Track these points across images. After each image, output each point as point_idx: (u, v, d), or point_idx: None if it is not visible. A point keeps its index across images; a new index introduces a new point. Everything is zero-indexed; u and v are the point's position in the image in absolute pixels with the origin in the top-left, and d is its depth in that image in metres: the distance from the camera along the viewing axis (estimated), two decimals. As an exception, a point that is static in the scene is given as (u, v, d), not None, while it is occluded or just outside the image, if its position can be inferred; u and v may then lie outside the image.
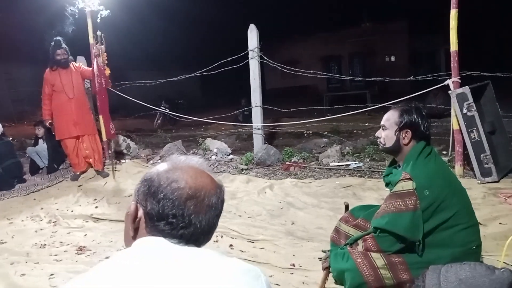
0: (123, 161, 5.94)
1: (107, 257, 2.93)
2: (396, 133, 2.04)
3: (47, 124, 5.47)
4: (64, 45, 5.31)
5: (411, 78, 5.14)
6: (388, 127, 2.07)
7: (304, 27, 20.09)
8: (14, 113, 12.54)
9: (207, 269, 0.78)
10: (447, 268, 0.75)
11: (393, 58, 20.34)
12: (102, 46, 5.14)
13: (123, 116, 10.98)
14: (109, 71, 5.31)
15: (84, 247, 3.17)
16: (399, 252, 1.99)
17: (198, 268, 0.78)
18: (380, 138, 2.13)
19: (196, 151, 6.26)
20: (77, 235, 3.47)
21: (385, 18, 19.00)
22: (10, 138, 6.73)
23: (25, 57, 12.75)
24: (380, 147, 2.19)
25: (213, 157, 5.89)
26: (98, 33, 5.12)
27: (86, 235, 3.45)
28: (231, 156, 5.94)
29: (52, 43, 5.29)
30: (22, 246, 3.27)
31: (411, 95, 4.67)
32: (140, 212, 0.88)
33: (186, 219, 0.85)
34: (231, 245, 2.99)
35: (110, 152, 5.91)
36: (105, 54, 5.20)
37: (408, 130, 2.03)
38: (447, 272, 0.74)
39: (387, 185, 2.26)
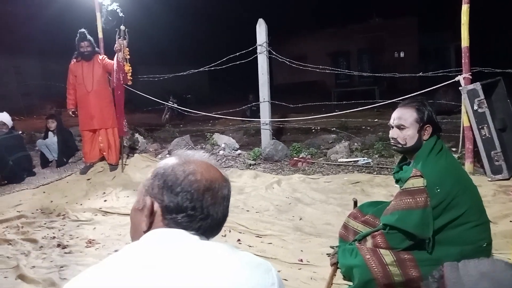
0: (131, 155, 5.96)
1: (115, 250, 2.95)
2: (419, 131, 2.00)
3: (71, 113, 5.46)
4: (89, 37, 5.29)
5: (421, 74, 5.09)
6: (409, 126, 2.01)
7: (313, 22, 20.00)
8: (23, 107, 12.62)
9: (221, 261, 0.80)
10: (465, 263, 0.74)
11: (402, 54, 20.17)
12: (125, 41, 5.08)
13: (131, 110, 11.03)
14: (129, 67, 5.24)
15: (93, 240, 3.19)
16: (408, 249, 1.98)
17: (213, 261, 0.79)
18: (396, 138, 2.07)
19: (204, 146, 6.27)
20: (86, 228, 3.50)
21: (394, 14, 18.83)
22: (20, 132, 6.79)
23: (34, 50, 12.84)
24: (396, 148, 2.12)
25: (221, 152, 5.90)
26: (122, 27, 5.05)
27: (95, 228, 3.48)
28: (239, 151, 5.94)
29: (77, 35, 5.28)
30: (32, 238, 3.31)
31: (420, 91, 4.63)
32: (156, 206, 0.88)
33: (205, 210, 0.87)
34: (239, 240, 2.99)
35: (123, 146, 5.93)
36: (127, 49, 5.14)
37: (428, 125, 2.01)
38: (466, 267, 0.73)
39: (397, 181, 2.25)
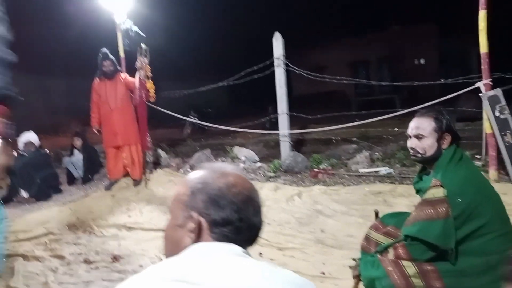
0: (154, 170, 6.07)
1: (140, 266, 3.01)
2: (438, 140, 2.00)
3: (95, 131, 5.61)
4: (111, 57, 5.45)
5: (441, 81, 5.04)
6: (428, 135, 2.00)
7: (330, 32, 20.02)
8: (49, 125, 13.01)
9: (266, 280, 0.80)
10: None
11: (422, 61, 19.92)
12: (146, 59, 5.21)
13: (154, 126, 11.23)
14: (151, 85, 5.36)
15: (118, 255, 3.26)
16: (431, 260, 1.95)
17: (259, 279, 0.79)
18: (415, 148, 2.05)
19: (224, 159, 6.33)
20: (111, 244, 3.58)
21: (413, 21, 18.68)
22: (47, 150, 7.00)
23: (59, 70, 13.26)
24: (415, 158, 2.09)
25: (241, 165, 5.94)
26: (143, 46, 5.20)
27: (120, 244, 3.55)
28: (259, 163, 5.97)
29: (100, 55, 5.46)
30: (60, 255, 3.40)
31: (441, 99, 4.58)
32: (202, 220, 0.89)
33: (249, 221, 0.89)
34: (260, 253, 3.01)
35: (147, 162, 6.04)
36: (148, 67, 5.27)
37: (447, 133, 2.00)
38: None
39: (417, 192, 2.22)
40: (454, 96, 4.71)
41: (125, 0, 5.60)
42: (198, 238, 0.89)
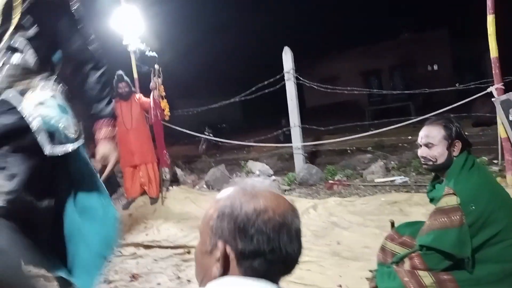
0: (170, 187, 6.13)
1: (158, 284, 3.03)
2: (448, 148, 2.00)
3: None
4: (126, 78, 5.60)
5: (457, 86, 5.02)
6: (437, 144, 2.00)
7: (341, 43, 20.10)
8: (68, 147, 13.27)
9: None
10: None
11: (435, 67, 19.77)
12: (159, 79, 5.35)
13: (170, 143, 11.37)
14: (165, 104, 5.47)
15: (136, 274, 3.29)
16: (448, 269, 1.93)
17: None
18: (426, 156, 2.06)
19: (239, 174, 6.36)
20: (129, 262, 3.62)
21: (424, 27, 18.62)
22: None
23: (77, 92, 13.54)
24: (426, 166, 2.10)
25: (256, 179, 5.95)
26: (156, 66, 5.32)
27: (138, 262, 3.59)
28: (273, 177, 5.98)
29: (115, 77, 5.60)
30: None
31: (454, 105, 4.54)
32: (229, 250, 0.80)
33: (284, 250, 0.79)
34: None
35: (164, 179, 6.12)
36: (162, 86, 5.40)
37: (457, 141, 2.00)
38: None
39: (431, 201, 2.21)
40: (469, 101, 4.67)
41: (136, 22, 5.75)
42: (225, 269, 0.80)
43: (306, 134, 6.05)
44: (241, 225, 0.79)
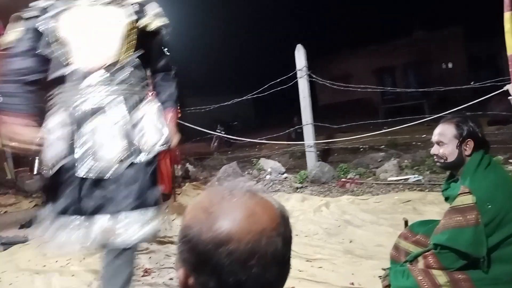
0: (183, 184, 6.17)
1: (170, 279, 3.06)
2: (458, 146, 1.98)
3: None
4: None
5: (472, 84, 4.94)
6: (448, 142, 2.00)
7: (354, 40, 20.00)
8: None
9: None
10: None
11: (450, 65, 19.51)
12: None
13: (181, 141, 11.42)
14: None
15: (149, 269, 3.32)
16: (463, 268, 1.91)
17: None
18: (438, 154, 2.06)
19: (251, 172, 6.37)
20: (142, 257, 3.65)
21: (438, 25, 18.39)
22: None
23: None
24: (438, 164, 2.11)
25: (268, 176, 5.96)
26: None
27: (150, 257, 3.62)
28: (285, 174, 5.97)
29: None
30: (94, 269, 3.49)
31: (470, 103, 4.48)
32: (192, 281, 0.69)
33: (256, 281, 0.66)
34: (288, 265, 3.00)
35: (176, 176, 6.17)
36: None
37: (469, 140, 1.97)
38: None
39: (446, 199, 2.19)
40: (484, 100, 4.60)
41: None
42: None
43: (319, 132, 6.03)
44: (200, 256, 0.67)
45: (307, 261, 3.03)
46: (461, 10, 17.46)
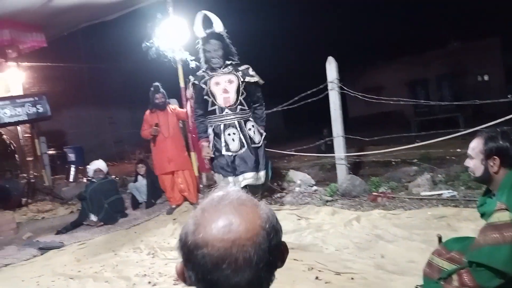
0: (208, 191, 6.23)
1: None
2: (483, 162, 1.95)
3: (154, 130, 5.78)
4: (162, 90, 5.86)
5: (509, 97, 4.80)
6: (474, 156, 2.00)
7: (387, 52, 19.70)
8: (115, 153, 13.81)
9: None
10: None
11: (486, 78, 18.93)
12: None
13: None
14: None
15: (179, 277, 3.37)
16: (499, 287, 1.86)
17: None
18: (468, 167, 2.06)
19: (280, 183, 6.36)
20: (173, 266, 3.71)
21: (474, 36, 17.90)
22: (113, 176, 7.44)
23: (124, 101, 14.11)
24: (471, 177, 2.13)
25: (297, 188, 5.94)
26: (191, 77, 5.52)
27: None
28: (315, 187, 5.93)
29: (152, 88, 5.86)
30: (126, 276, 3.58)
31: (507, 117, 4.35)
32: (186, 273, 0.82)
33: (226, 282, 0.76)
34: (317, 277, 2.98)
35: (202, 185, 6.27)
36: None
37: (495, 157, 1.94)
38: None
39: (482, 215, 2.14)
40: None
41: (182, 33, 5.95)
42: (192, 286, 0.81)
43: (349, 145, 5.97)
44: (186, 254, 0.79)
45: (337, 274, 3.00)
46: (498, 20, 16.92)
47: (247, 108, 4.08)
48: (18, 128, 10.45)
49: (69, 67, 13.41)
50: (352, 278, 2.87)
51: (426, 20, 18.91)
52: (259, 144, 4.10)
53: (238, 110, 3.99)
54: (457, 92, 18.47)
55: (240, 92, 4.00)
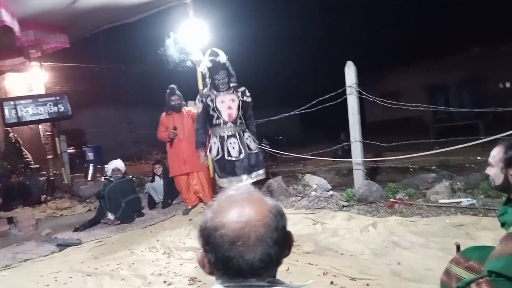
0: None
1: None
2: (503, 171, 1.92)
3: (172, 132, 5.90)
4: (177, 92, 5.93)
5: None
6: (495, 165, 1.96)
7: (406, 56, 19.47)
8: (133, 153, 13.98)
9: None
10: None
11: (508, 84, 18.56)
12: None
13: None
14: None
15: (195, 278, 3.40)
16: (519, 299, 1.82)
17: None
18: (490, 176, 2.03)
19: (296, 187, 6.35)
20: (188, 266, 3.74)
21: (496, 41, 17.57)
22: (131, 176, 7.53)
23: (143, 103, 14.29)
24: (491, 185, 2.09)
25: (313, 193, 5.92)
26: (207, 80, 5.57)
27: (196, 266, 3.70)
28: (331, 192, 5.90)
29: (168, 91, 5.94)
30: (142, 275, 3.62)
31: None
32: (206, 260, 0.95)
33: (240, 259, 0.88)
34: (332, 282, 2.97)
35: (217, 186, 6.29)
36: None
37: None
38: None
39: (502, 225, 2.10)
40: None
41: (203, 35, 6.01)
42: (210, 273, 0.96)
43: (366, 150, 5.92)
44: (206, 238, 0.92)
45: (352, 279, 2.99)
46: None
47: (243, 122, 4.79)
48: (40, 126, 10.69)
49: (90, 68, 13.65)
50: (367, 284, 2.85)
51: (446, 25, 18.61)
52: (255, 151, 4.80)
53: (238, 124, 4.68)
54: (477, 98, 18.16)
55: (239, 109, 4.69)
